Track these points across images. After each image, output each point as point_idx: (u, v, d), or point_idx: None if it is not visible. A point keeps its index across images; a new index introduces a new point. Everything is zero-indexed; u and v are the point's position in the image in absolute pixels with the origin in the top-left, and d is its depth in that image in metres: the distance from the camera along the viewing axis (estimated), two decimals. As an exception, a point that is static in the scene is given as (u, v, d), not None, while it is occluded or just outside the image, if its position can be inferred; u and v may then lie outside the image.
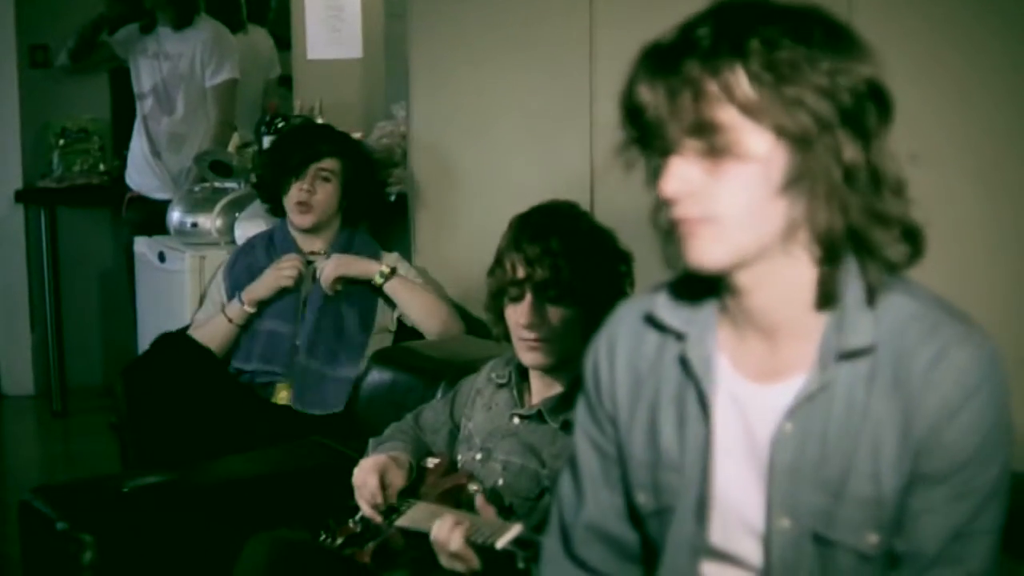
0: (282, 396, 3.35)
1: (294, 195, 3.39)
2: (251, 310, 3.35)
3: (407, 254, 3.67)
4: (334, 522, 2.47)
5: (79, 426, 5.44)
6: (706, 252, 1.37)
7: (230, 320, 3.37)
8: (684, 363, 1.48)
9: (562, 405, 2.28)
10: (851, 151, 1.34)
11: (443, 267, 3.67)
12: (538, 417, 2.31)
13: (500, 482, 2.30)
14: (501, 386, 2.42)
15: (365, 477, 2.34)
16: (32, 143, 5.78)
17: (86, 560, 2.62)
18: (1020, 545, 1.53)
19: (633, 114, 1.38)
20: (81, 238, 5.82)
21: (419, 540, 2.15)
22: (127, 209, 5.24)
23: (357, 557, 2.35)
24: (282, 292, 3.35)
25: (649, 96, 1.35)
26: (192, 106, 5.09)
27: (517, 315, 2.28)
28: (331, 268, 3.32)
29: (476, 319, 3.22)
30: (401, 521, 2.27)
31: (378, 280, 3.32)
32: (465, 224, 3.72)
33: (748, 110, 1.32)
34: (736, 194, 1.35)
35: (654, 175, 1.39)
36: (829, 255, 1.38)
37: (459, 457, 2.43)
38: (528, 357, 2.30)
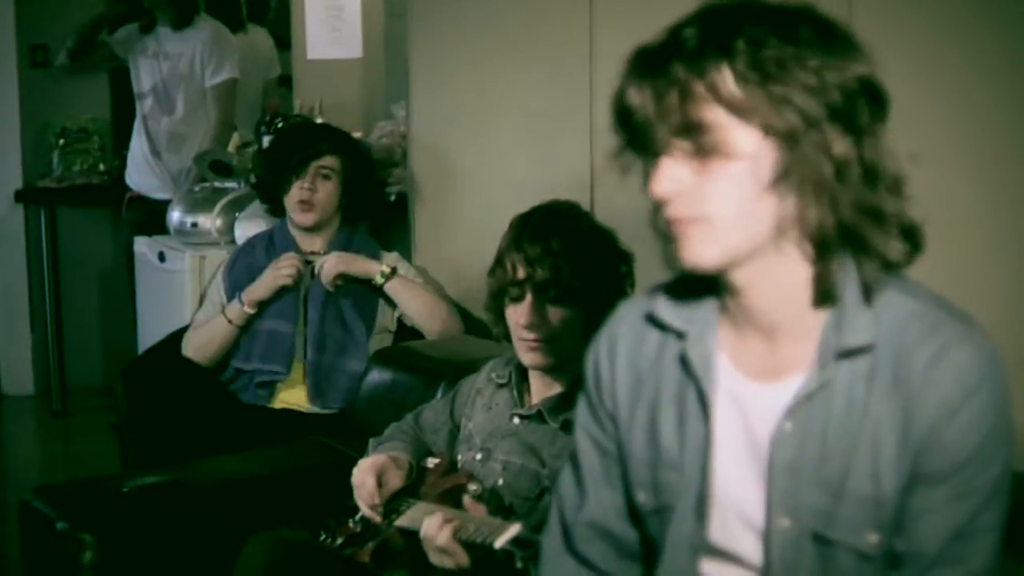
0: (282, 396, 3.35)
1: (295, 194, 3.38)
2: (251, 311, 3.35)
3: (407, 254, 3.67)
4: (334, 522, 2.47)
5: (79, 426, 5.44)
6: (698, 251, 1.38)
7: (230, 321, 3.36)
8: (684, 362, 1.49)
9: (562, 405, 2.28)
10: (841, 146, 1.34)
11: (443, 267, 3.67)
12: (538, 417, 2.31)
13: (500, 482, 2.30)
14: (501, 386, 2.42)
15: (363, 478, 2.34)
16: (32, 143, 5.78)
17: (86, 560, 2.62)
18: (1021, 545, 1.53)
19: (623, 117, 1.39)
20: (81, 238, 5.82)
21: (418, 540, 2.16)
22: (127, 209, 5.24)
23: (357, 557, 2.36)
24: (282, 291, 3.35)
25: (638, 98, 1.37)
26: (192, 106, 5.09)
27: (517, 315, 2.28)
28: (332, 264, 3.32)
29: (476, 319, 3.22)
30: (400, 521, 2.27)
31: (379, 280, 3.32)
32: (465, 224, 3.72)
33: (735, 109, 1.33)
34: (726, 193, 1.35)
35: (647, 177, 1.40)
36: (821, 252, 1.38)
37: (459, 457, 2.43)
38: (528, 357, 2.30)
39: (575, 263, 2.24)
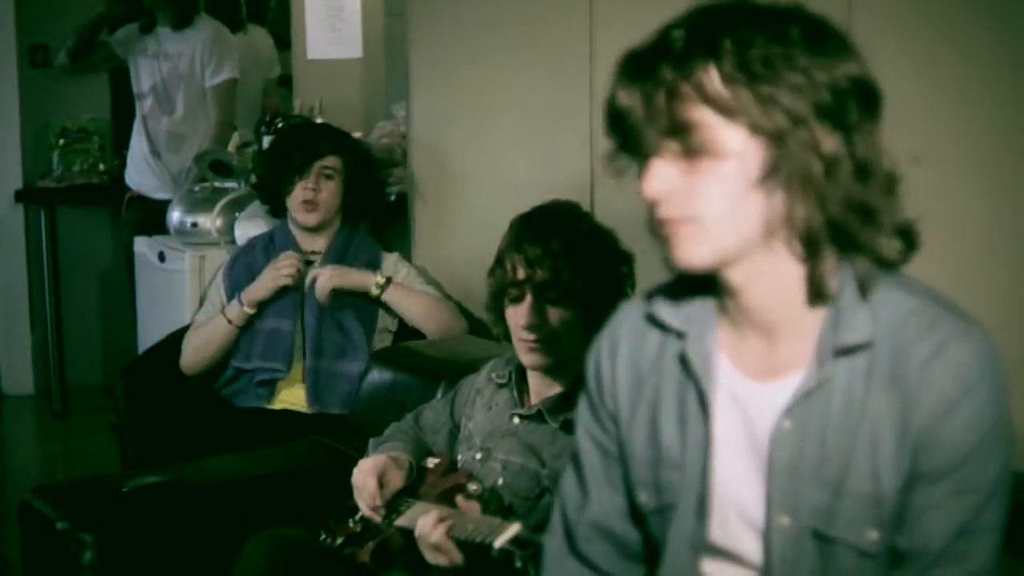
0: (282, 396, 3.35)
1: (299, 194, 3.38)
2: (251, 311, 3.35)
3: (407, 254, 3.67)
4: (334, 522, 2.47)
5: (79, 426, 5.44)
6: (690, 251, 1.39)
7: (229, 321, 3.36)
8: (684, 362, 1.49)
9: (562, 405, 2.28)
10: (830, 144, 1.34)
11: (443, 267, 3.67)
12: (538, 417, 2.31)
13: (500, 482, 2.30)
14: (501, 386, 2.42)
15: (364, 479, 2.34)
16: (32, 143, 5.78)
17: (86, 560, 2.62)
18: (1021, 545, 1.53)
19: (615, 120, 1.40)
20: (81, 238, 5.82)
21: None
22: (127, 209, 5.24)
23: (357, 557, 2.36)
24: (282, 290, 3.35)
25: (627, 101, 1.38)
26: (192, 106, 5.09)
27: (517, 316, 2.28)
28: (326, 279, 3.30)
29: (476, 319, 3.22)
30: (400, 521, 2.27)
31: (374, 292, 3.31)
32: (465, 224, 3.72)
33: (721, 109, 1.34)
34: (715, 192, 1.36)
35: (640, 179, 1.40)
36: (810, 250, 1.38)
37: (459, 457, 2.43)
38: (528, 358, 2.30)
39: (575, 264, 2.24)
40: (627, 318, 1.57)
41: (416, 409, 2.60)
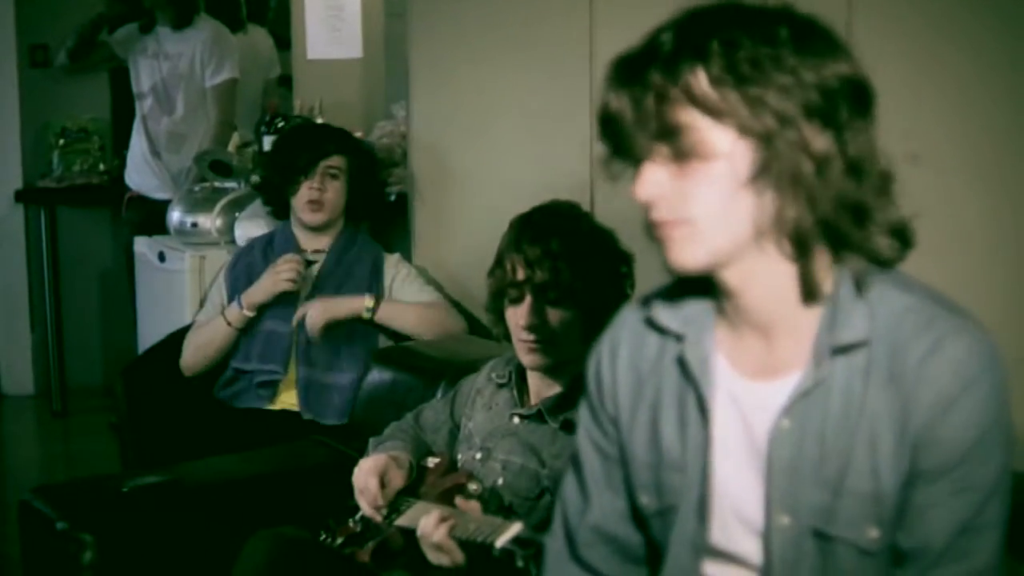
0: (283, 397, 3.35)
1: (304, 194, 3.38)
2: (250, 314, 3.35)
3: (407, 254, 3.67)
4: (334, 522, 2.47)
5: (79, 426, 5.45)
6: (684, 253, 1.39)
7: (229, 323, 3.36)
8: (682, 364, 1.49)
9: (562, 405, 2.28)
10: (821, 143, 1.34)
11: (443, 267, 3.67)
12: (538, 417, 2.31)
13: (500, 481, 2.30)
14: (501, 386, 2.42)
15: (366, 478, 2.34)
16: (32, 143, 5.78)
17: (86, 560, 2.62)
18: (1021, 545, 1.53)
19: (606, 125, 1.41)
20: (81, 238, 5.82)
21: (418, 539, 2.16)
22: (127, 209, 5.24)
23: (357, 556, 2.36)
24: (281, 292, 3.35)
25: (617, 105, 1.38)
26: (192, 106, 5.09)
27: (517, 316, 2.28)
28: (317, 316, 3.28)
29: (476, 319, 3.22)
30: (401, 520, 2.27)
31: (365, 315, 3.30)
32: (465, 224, 3.72)
33: (710, 111, 1.34)
34: (705, 193, 1.36)
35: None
36: (799, 250, 1.38)
37: (459, 456, 2.43)
38: (528, 358, 2.30)
39: (575, 264, 2.24)
40: (627, 322, 1.57)
41: (416, 409, 2.60)
